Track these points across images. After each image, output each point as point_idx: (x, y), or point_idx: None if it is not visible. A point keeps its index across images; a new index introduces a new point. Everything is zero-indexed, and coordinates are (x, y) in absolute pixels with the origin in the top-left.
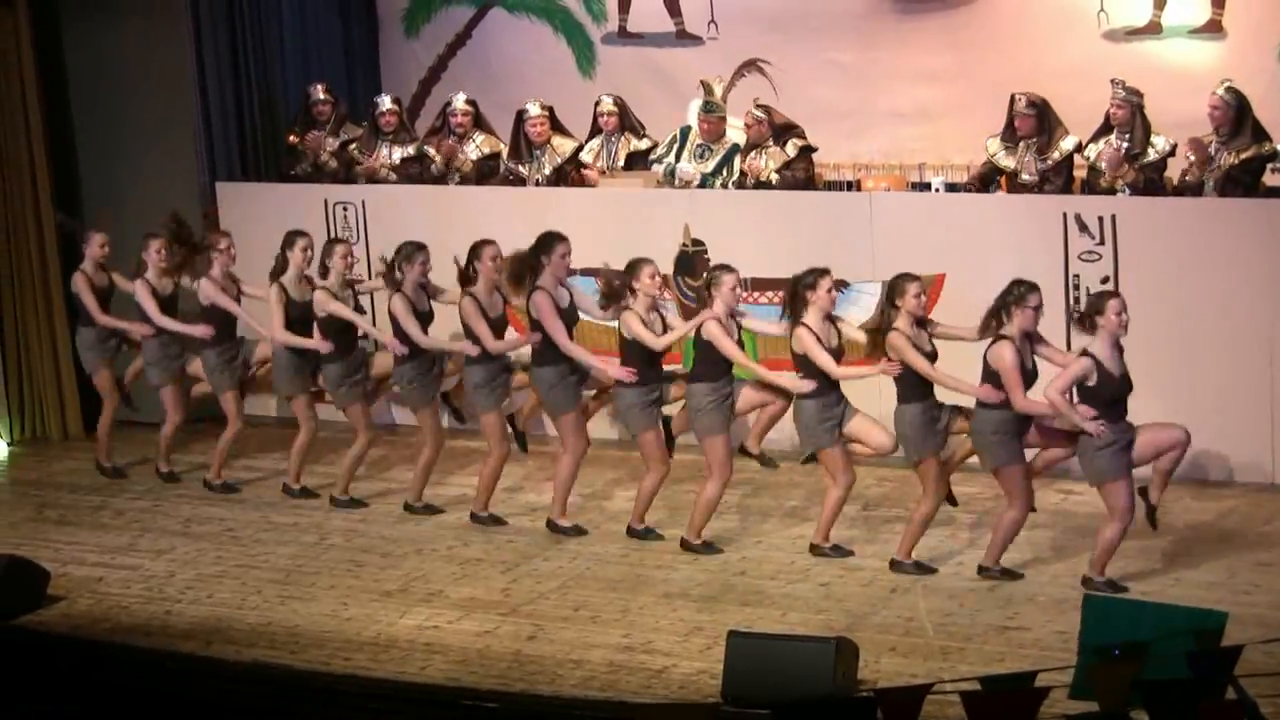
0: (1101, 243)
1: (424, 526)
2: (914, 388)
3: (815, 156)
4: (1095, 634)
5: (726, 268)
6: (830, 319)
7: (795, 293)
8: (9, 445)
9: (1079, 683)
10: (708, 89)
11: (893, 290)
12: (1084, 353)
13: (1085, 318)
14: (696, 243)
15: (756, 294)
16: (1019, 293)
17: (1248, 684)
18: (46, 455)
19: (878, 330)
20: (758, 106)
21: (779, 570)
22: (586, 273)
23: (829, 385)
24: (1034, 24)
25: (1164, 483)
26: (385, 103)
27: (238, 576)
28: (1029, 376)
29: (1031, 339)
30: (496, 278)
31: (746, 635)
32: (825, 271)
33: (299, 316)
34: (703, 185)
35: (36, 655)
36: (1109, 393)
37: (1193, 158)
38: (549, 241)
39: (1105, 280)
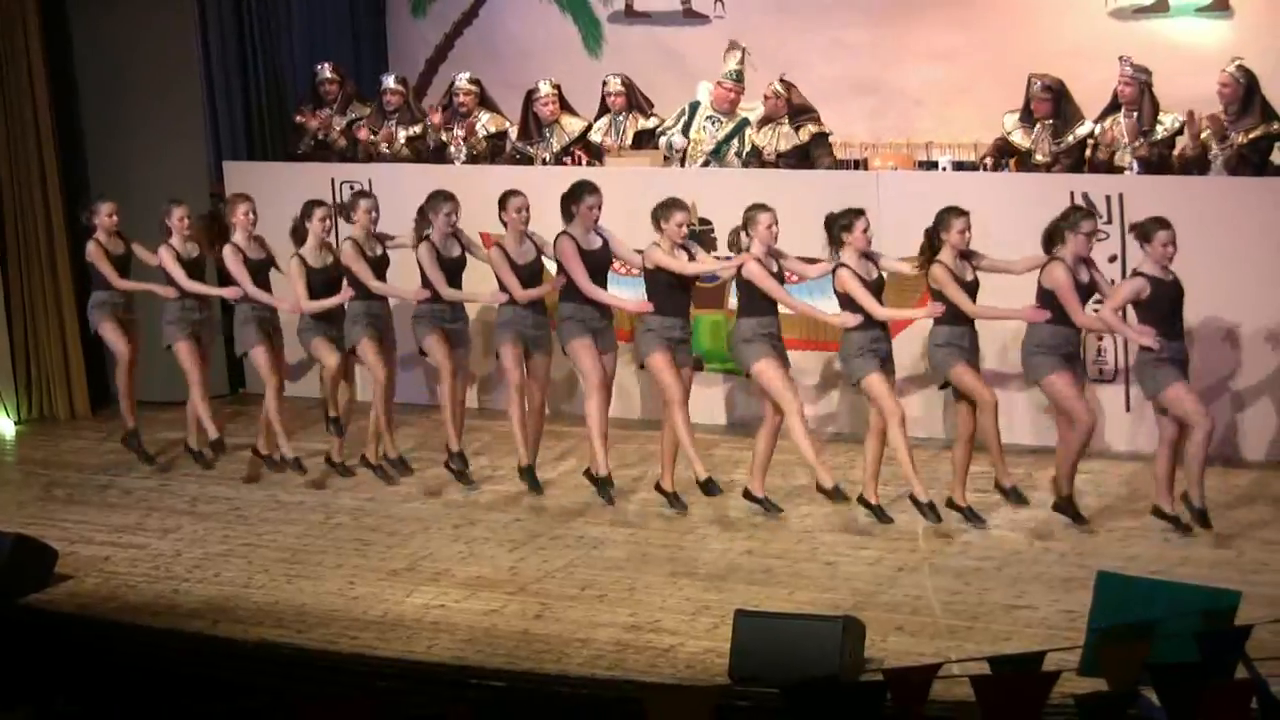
0: (1109, 221)
1: (430, 506)
2: (950, 314)
3: None
4: (1107, 612)
5: (762, 206)
6: (868, 256)
7: (831, 234)
8: (16, 424)
9: (1088, 660)
10: (739, 49)
11: (938, 224)
12: (1135, 273)
13: (1136, 237)
14: (704, 221)
15: None
16: (1074, 219)
17: (1257, 664)
18: (53, 434)
19: (925, 261)
20: (780, 82)
21: (786, 549)
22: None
23: (872, 319)
24: (1042, 2)
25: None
26: (389, 82)
27: (244, 555)
28: (1085, 293)
29: (1087, 264)
30: (523, 228)
31: (754, 614)
32: (860, 212)
33: (322, 283)
34: (715, 153)
35: (44, 634)
36: (1163, 307)
37: (1207, 128)
38: (579, 191)
39: (1113, 259)
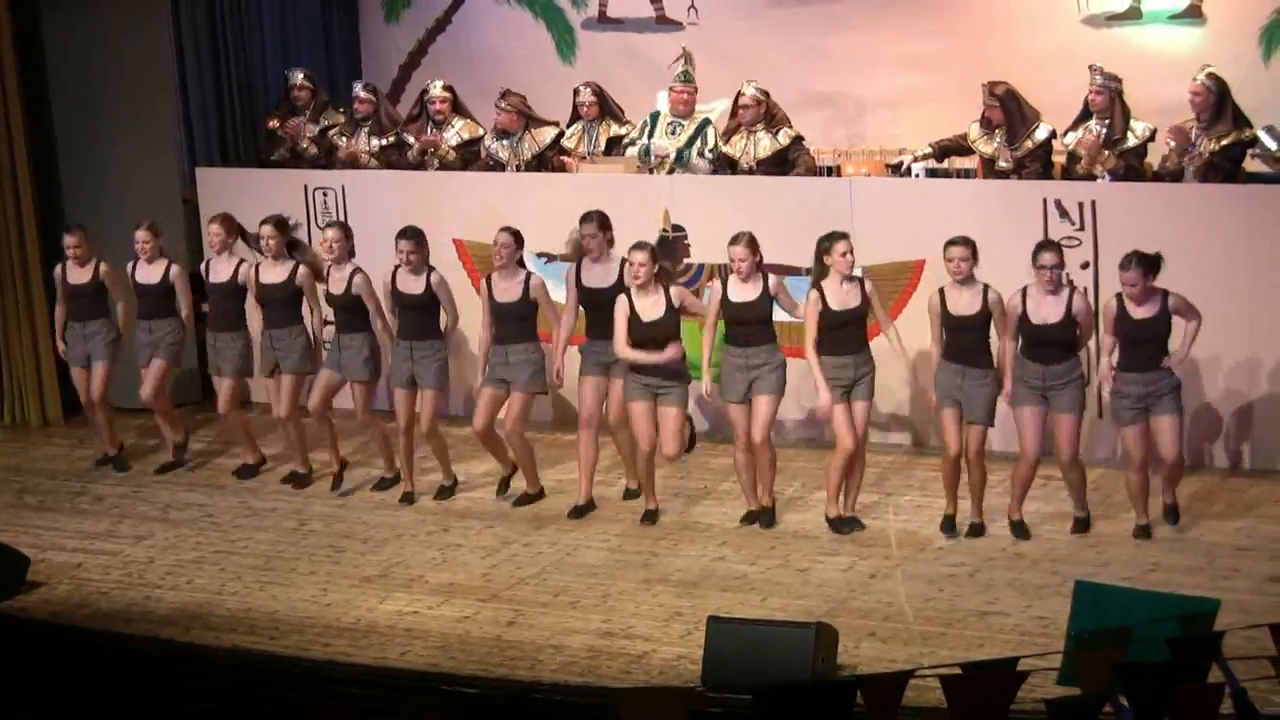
0: (1081, 228)
1: (403, 513)
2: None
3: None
4: (1085, 620)
5: (837, 234)
6: (853, 279)
7: (817, 254)
8: None
9: (1066, 670)
10: (687, 57)
11: (821, 248)
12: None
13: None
14: (676, 228)
15: None
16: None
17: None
18: (26, 441)
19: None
20: (756, 89)
21: (759, 556)
22: (564, 259)
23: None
24: (1014, 9)
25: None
26: (358, 90)
27: (217, 562)
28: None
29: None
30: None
31: (726, 621)
32: (840, 235)
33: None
34: (678, 159)
35: (16, 641)
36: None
37: (1173, 144)
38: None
39: (1085, 265)
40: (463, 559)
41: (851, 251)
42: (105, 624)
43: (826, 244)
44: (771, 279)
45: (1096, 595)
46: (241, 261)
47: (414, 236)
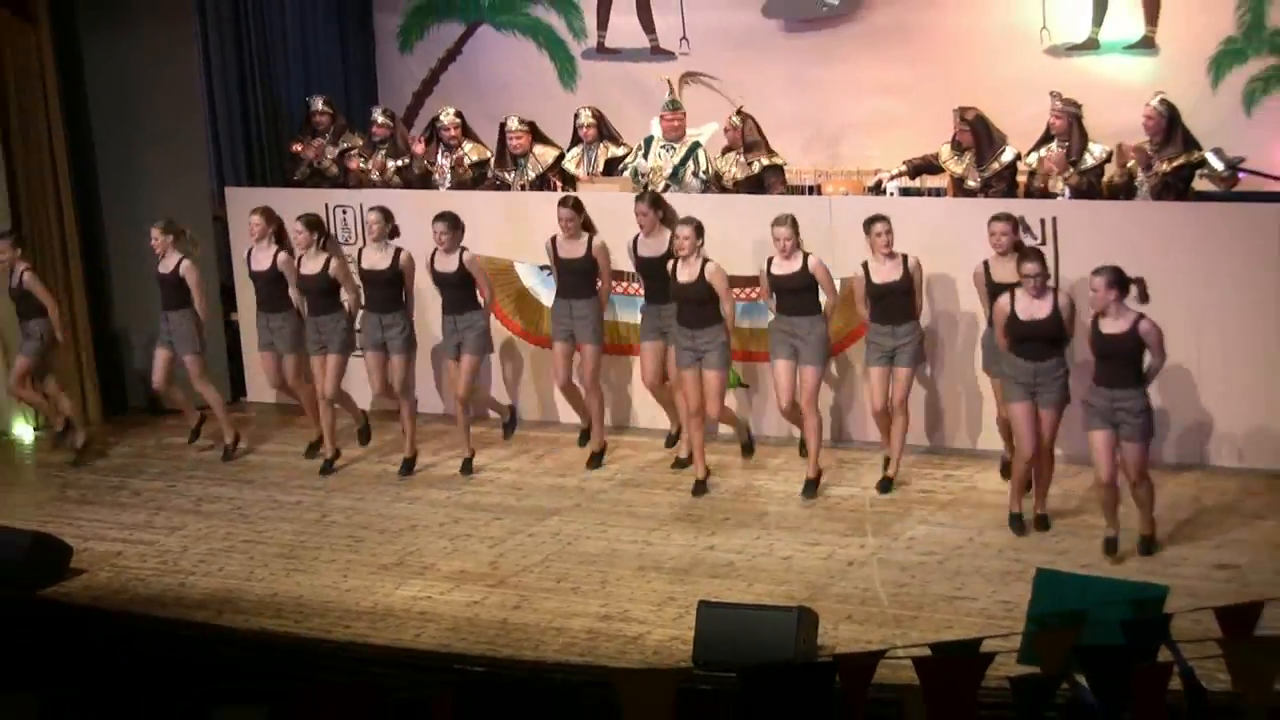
0: (1044, 242)
1: (417, 505)
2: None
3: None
4: (1044, 604)
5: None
6: (894, 256)
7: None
8: (35, 430)
9: (1026, 649)
10: (670, 87)
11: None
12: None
13: None
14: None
15: (736, 290)
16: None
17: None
18: (69, 439)
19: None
20: (738, 114)
21: (745, 545)
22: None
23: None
24: (982, 40)
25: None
26: (376, 115)
27: (246, 551)
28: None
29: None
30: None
31: (715, 605)
32: (879, 218)
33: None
34: (673, 177)
35: (60, 624)
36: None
37: (1133, 159)
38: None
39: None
40: (472, 548)
41: (888, 232)
42: (143, 608)
43: (867, 226)
44: (811, 258)
45: (1055, 582)
46: (279, 250)
47: (448, 219)
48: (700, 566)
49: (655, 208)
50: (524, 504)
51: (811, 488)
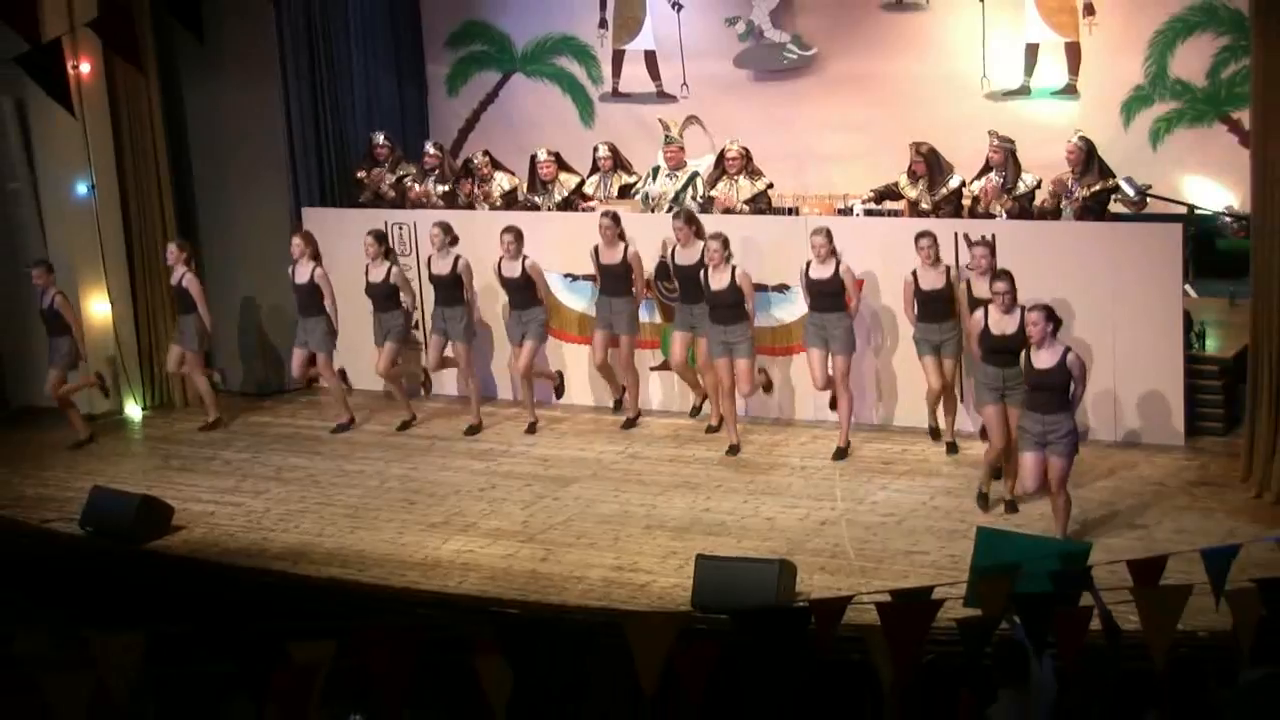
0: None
1: (461, 474)
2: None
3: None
4: (984, 557)
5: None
6: (938, 265)
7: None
8: (143, 410)
9: (970, 596)
10: (665, 126)
11: None
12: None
13: None
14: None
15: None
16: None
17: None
18: (170, 418)
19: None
20: (742, 146)
21: (735, 508)
22: (588, 278)
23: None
24: (931, 87)
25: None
26: (428, 147)
27: (317, 512)
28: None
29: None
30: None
31: (711, 558)
32: (925, 233)
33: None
34: (675, 201)
35: (163, 572)
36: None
37: (1053, 189)
38: None
39: None
40: (506, 510)
41: (933, 246)
42: (231, 559)
43: (917, 239)
44: (841, 264)
45: (995, 539)
46: (316, 267)
47: (513, 231)
48: (698, 525)
49: (689, 224)
50: (550, 473)
51: (842, 453)
